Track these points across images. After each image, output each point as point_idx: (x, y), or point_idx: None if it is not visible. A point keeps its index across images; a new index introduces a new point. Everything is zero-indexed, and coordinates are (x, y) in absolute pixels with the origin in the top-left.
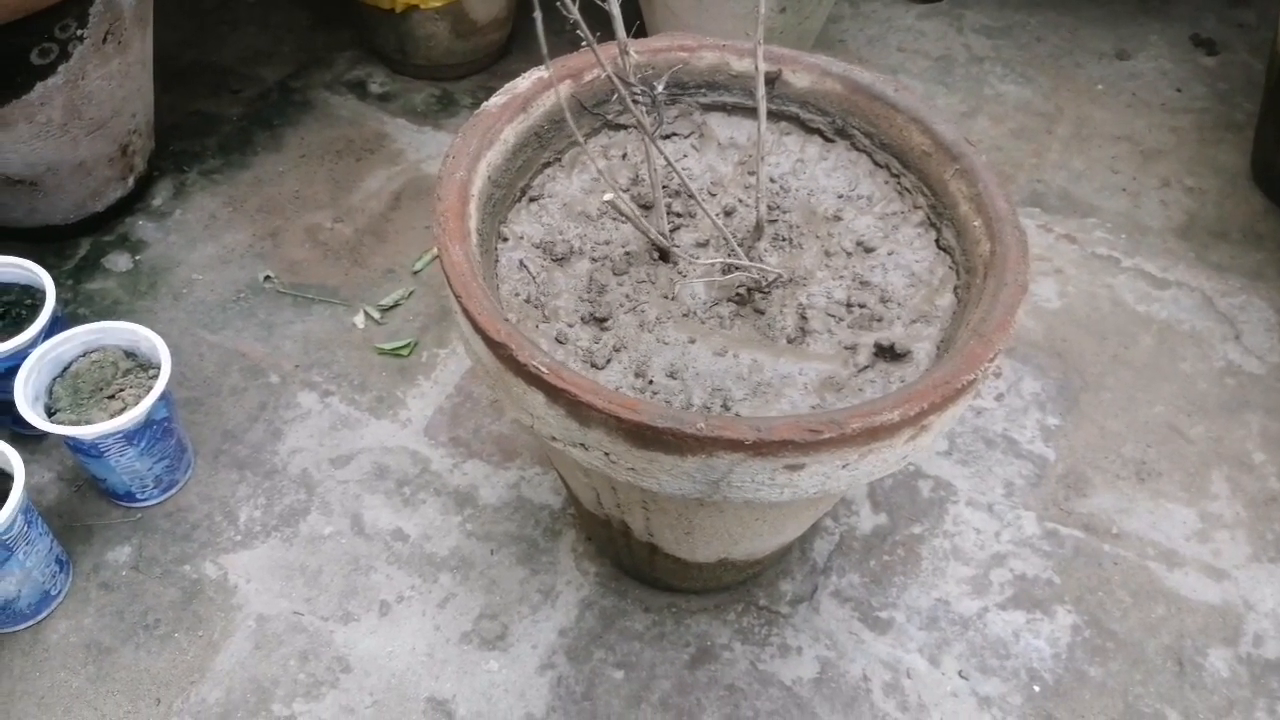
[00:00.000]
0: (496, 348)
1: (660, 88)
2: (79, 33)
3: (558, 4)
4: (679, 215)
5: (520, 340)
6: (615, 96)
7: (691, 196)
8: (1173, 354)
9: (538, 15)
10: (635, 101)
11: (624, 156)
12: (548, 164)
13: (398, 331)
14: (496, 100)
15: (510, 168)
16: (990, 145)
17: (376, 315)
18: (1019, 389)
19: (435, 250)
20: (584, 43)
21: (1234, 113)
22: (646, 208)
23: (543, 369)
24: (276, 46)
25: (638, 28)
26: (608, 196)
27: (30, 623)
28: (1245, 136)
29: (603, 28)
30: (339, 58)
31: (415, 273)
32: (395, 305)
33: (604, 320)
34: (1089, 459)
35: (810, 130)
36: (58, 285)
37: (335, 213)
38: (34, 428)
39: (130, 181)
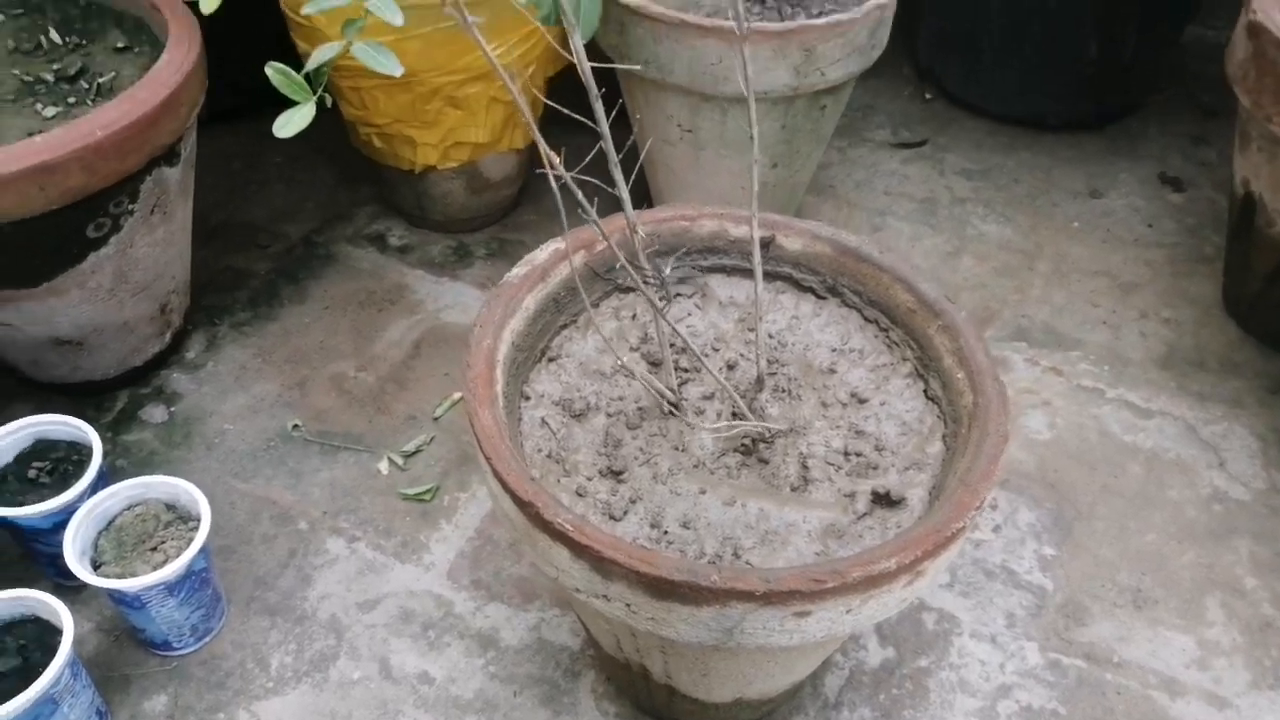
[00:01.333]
0: (524, 507)
1: (668, 270)
2: (130, 207)
3: (585, 216)
4: (686, 370)
5: (546, 500)
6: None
7: (699, 359)
8: (1160, 482)
9: (563, 218)
10: (646, 282)
11: (634, 317)
12: (564, 326)
13: (420, 477)
14: (518, 271)
15: (531, 332)
16: (975, 283)
17: (400, 461)
18: (1015, 520)
19: (455, 397)
20: (597, 216)
21: (1204, 246)
22: (656, 364)
23: (568, 527)
24: (301, 203)
25: (641, 189)
26: (622, 360)
27: None
28: (1215, 269)
29: (611, 187)
30: (360, 212)
31: (436, 419)
32: (417, 451)
33: (620, 473)
34: (1086, 588)
35: (803, 289)
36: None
37: (359, 362)
38: (75, 579)
39: (167, 337)
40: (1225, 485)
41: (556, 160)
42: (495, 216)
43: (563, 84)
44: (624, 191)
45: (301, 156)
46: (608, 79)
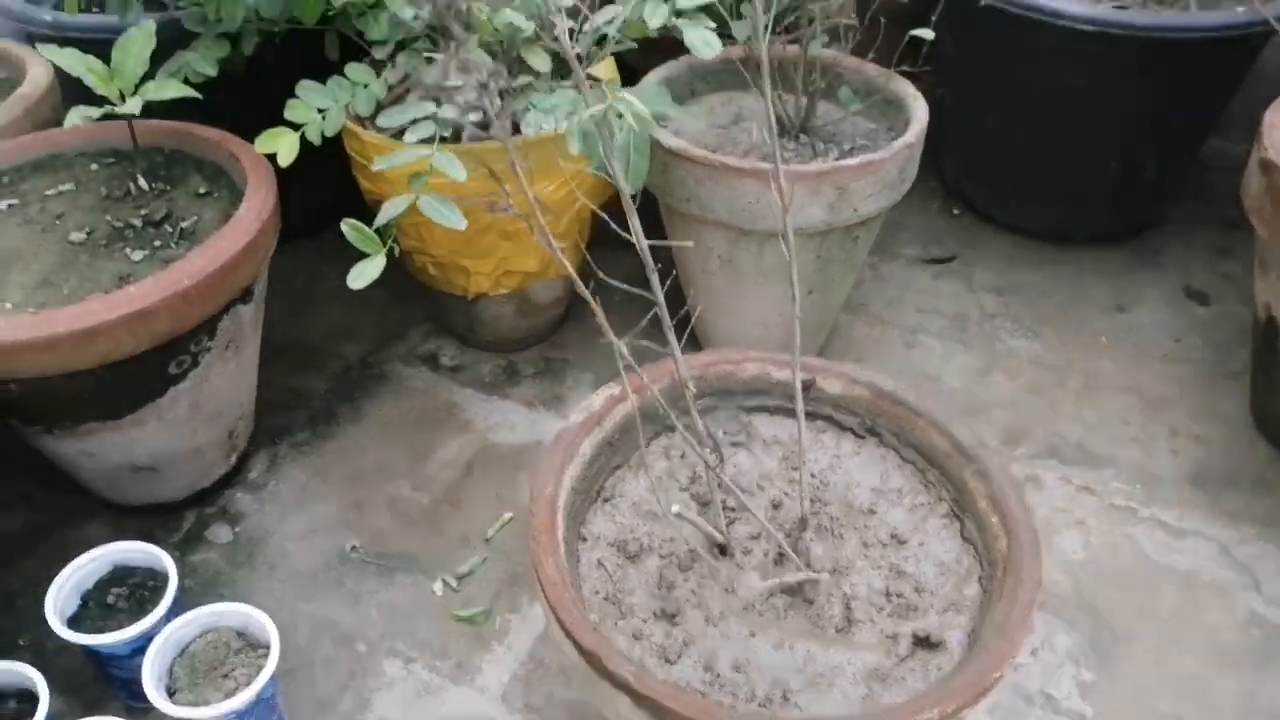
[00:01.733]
0: (588, 656)
1: (721, 433)
2: (208, 344)
3: (643, 381)
4: (733, 510)
5: (609, 650)
6: (677, 403)
7: (748, 509)
8: (1196, 605)
9: (622, 374)
10: (701, 445)
11: (683, 456)
12: (617, 466)
13: (473, 598)
14: (576, 419)
15: (587, 475)
16: (1007, 401)
17: (453, 583)
18: (1052, 643)
19: (506, 518)
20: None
21: (1231, 360)
22: (704, 504)
23: (629, 677)
24: (357, 323)
25: (680, 304)
26: (675, 509)
27: None
28: (1243, 384)
29: (663, 346)
30: (413, 332)
31: (487, 540)
32: (470, 572)
33: (674, 616)
34: (1126, 716)
35: (843, 429)
36: None
37: (413, 482)
38: (145, 701)
39: (233, 459)
40: (1262, 609)
41: (630, 358)
42: (543, 335)
43: (607, 206)
44: (677, 350)
45: None
46: (650, 208)
